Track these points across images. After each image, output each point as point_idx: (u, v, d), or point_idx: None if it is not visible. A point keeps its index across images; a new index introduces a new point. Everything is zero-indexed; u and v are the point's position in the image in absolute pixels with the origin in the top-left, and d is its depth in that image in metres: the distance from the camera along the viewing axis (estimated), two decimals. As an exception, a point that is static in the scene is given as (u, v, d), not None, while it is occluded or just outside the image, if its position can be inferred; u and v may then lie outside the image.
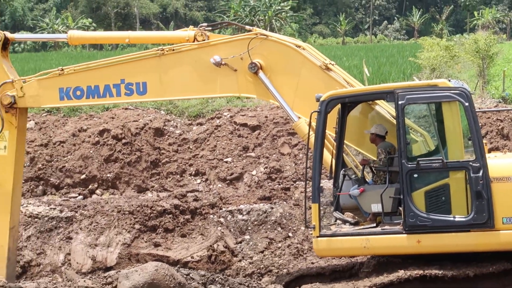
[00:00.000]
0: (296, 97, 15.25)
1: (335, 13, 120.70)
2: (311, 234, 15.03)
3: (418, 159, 14.06)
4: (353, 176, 15.23)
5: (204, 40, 15.53)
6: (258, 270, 18.47)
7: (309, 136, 14.77)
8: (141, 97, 16.19)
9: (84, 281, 13.07)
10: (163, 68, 15.69)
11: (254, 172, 25.42)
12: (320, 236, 14.19)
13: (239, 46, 15.24)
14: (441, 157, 14.03)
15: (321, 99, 14.06)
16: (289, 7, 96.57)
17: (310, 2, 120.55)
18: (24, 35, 18.35)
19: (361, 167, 15.51)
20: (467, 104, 13.46)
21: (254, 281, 15.33)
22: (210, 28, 16.08)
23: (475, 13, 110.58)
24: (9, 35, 16.38)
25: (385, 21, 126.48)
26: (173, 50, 15.63)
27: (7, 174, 16.13)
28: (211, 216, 20.77)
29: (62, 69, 16.00)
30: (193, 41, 15.62)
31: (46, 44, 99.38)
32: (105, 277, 13.10)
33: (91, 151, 26.96)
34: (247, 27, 16.88)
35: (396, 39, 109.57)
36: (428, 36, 66.56)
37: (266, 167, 25.53)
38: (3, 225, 16.18)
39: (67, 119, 29.14)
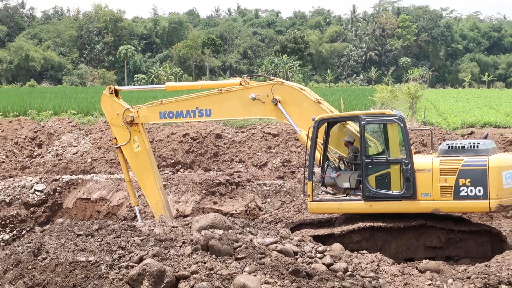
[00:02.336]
0: (299, 119, 16.50)
1: (325, 68, 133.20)
2: (307, 199, 16.02)
3: (372, 156, 15.42)
4: (333, 165, 16.18)
5: (245, 84, 17.05)
6: (275, 220, 20.01)
7: (307, 141, 15.96)
8: (207, 118, 17.75)
9: (172, 223, 12.60)
10: (221, 101, 17.16)
11: (274, 161, 26.66)
12: (312, 201, 15.61)
13: (266, 89, 16.72)
14: (386, 156, 15.43)
15: (315, 119, 15.40)
16: (297, 64, 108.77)
17: (310, 62, 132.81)
18: (128, 87, 18.29)
19: (337, 160, 16.39)
20: (402, 125, 14.92)
21: (272, 226, 15.16)
22: (249, 77, 17.59)
23: (409, 71, 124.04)
24: (117, 87, 18.41)
25: (355, 74, 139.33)
26: (227, 90, 17.15)
27: (144, 160, 17.76)
28: (248, 187, 22.45)
29: (161, 101, 17.68)
30: (239, 85, 17.16)
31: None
32: (184, 220, 12.87)
33: (177, 146, 28.53)
34: (271, 77, 18.14)
35: (361, 85, 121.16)
36: (380, 84, 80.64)
37: (281, 159, 26.78)
38: (155, 188, 17.79)
39: (164, 127, 30.70)
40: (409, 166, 14.59)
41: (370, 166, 15.08)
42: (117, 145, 17.99)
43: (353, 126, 16.25)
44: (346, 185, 15.53)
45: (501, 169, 14.27)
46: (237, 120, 31.56)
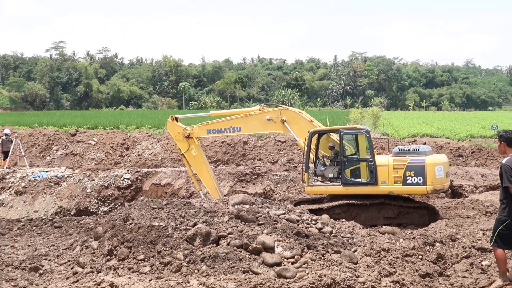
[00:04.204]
0: (298, 132, 16.43)
1: (316, 98, 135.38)
2: (304, 185, 15.73)
3: (348, 156, 15.28)
4: (321, 162, 16.05)
5: (263, 110, 17.10)
6: (283, 198, 19.84)
7: (304, 147, 15.66)
8: (238, 132, 17.63)
9: (215, 200, 12.33)
10: (246, 121, 17.22)
11: (282, 159, 26.36)
12: (308, 186, 15.45)
13: (276, 113, 16.74)
14: (357, 156, 15.31)
15: (310, 131, 15.49)
16: (298, 94, 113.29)
17: (306, 93, 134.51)
18: (184, 115, 18.07)
19: (324, 158, 16.20)
20: (368, 135, 14.92)
21: (281, 203, 14.12)
22: (265, 105, 17.66)
23: (372, 99, 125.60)
24: (176, 116, 18.38)
25: (336, 101, 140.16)
26: (251, 114, 17.13)
27: (200, 160, 17.82)
28: (265, 176, 22.11)
29: (208, 122, 17.70)
30: (258, 110, 17.19)
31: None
32: (223, 199, 12.56)
33: (218, 149, 28.29)
34: (280, 104, 18.02)
35: (340, 109, 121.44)
36: (353, 108, 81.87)
37: (287, 158, 26.55)
38: (209, 178, 17.75)
39: (210, 137, 28.11)
40: (372, 163, 14.53)
41: (346, 163, 14.95)
42: (181, 153, 18.01)
43: (335, 136, 16.07)
44: (330, 175, 15.44)
45: (434, 165, 14.30)
46: (258, 133, 30.70)
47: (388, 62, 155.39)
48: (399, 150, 15.03)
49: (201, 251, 9.43)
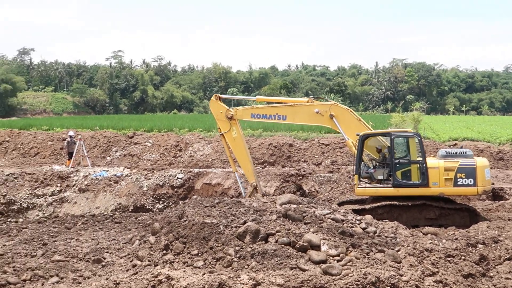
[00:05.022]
0: (347, 130, 15.86)
1: (357, 103, 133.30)
2: (355, 186, 15.35)
3: (399, 158, 15.12)
4: (372, 164, 15.82)
5: (311, 102, 16.50)
6: (327, 199, 19.21)
7: (354, 149, 15.45)
8: (283, 121, 16.95)
9: (263, 199, 12.47)
10: (294, 111, 16.61)
11: (326, 161, 26.02)
12: (358, 187, 15.18)
13: (326, 107, 16.15)
14: (408, 158, 15.03)
15: (360, 135, 15.15)
16: (340, 100, 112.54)
17: (348, 98, 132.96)
18: (228, 96, 17.49)
19: (371, 161, 15.91)
20: (419, 138, 14.88)
21: (326, 203, 13.96)
22: (314, 98, 16.85)
23: (412, 104, 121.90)
24: (220, 95, 17.96)
25: (377, 106, 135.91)
26: (299, 105, 16.67)
27: (240, 142, 17.26)
28: (309, 177, 21.79)
29: (253, 106, 17.25)
30: (307, 102, 16.59)
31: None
32: (271, 198, 12.56)
33: (265, 151, 27.98)
34: (329, 100, 17.98)
35: (380, 113, 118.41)
36: (394, 112, 78.15)
37: (330, 160, 26.14)
38: (247, 161, 17.33)
39: (257, 139, 29.95)
40: (424, 165, 14.39)
41: (397, 165, 14.82)
42: (220, 132, 17.53)
43: (382, 139, 15.83)
44: (380, 177, 15.27)
45: (484, 167, 14.26)
46: (303, 131, 31.02)
47: (428, 68, 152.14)
48: (446, 153, 14.83)
49: (251, 247, 9.49)
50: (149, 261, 9.87)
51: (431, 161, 14.66)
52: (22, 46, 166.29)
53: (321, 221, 10.72)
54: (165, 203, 21.67)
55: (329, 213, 11.43)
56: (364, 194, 15.57)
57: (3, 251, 11.55)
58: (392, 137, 14.91)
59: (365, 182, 15.36)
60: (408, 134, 15.24)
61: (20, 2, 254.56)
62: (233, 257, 9.23)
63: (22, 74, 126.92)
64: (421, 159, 14.57)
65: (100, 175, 23.25)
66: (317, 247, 9.49)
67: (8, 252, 11.39)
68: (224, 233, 9.93)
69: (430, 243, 10.05)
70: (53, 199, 22.02)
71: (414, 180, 14.61)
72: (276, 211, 11.07)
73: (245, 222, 10.27)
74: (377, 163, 15.67)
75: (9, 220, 18.38)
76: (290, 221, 10.60)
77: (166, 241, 10.23)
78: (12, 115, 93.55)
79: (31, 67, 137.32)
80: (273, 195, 18.75)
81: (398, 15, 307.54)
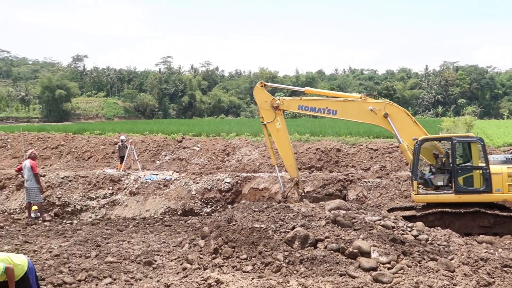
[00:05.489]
0: (400, 131, 15.27)
1: (407, 107, 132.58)
2: (413, 192, 14.86)
3: (461, 164, 14.78)
4: (428, 170, 15.64)
5: (365, 99, 15.81)
6: (376, 205, 18.74)
7: (408, 154, 15.07)
8: (332, 116, 15.95)
9: (312, 205, 12.35)
10: (345, 106, 15.80)
11: (374, 167, 25.15)
12: (417, 194, 14.73)
13: (380, 105, 15.52)
14: (471, 164, 14.58)
15: (418, 139, 14.74)
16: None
17: (396, 102, 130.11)
18: (274, 84, 17.15)
19: (428, 167, 15.72)
20: (482, 143, 14.48)
21: (376, 209, 14.14)
22: (366, 95, 16.22)
23: (464, 108, 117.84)
24: (265, 83, 16.83)
25: (427, 110, 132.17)
26: (351, 100, 15.92)
27: (283, 134, 16.40)
28: (358, 182, 21.40)
29: (301, 98, 16.44)
30: (360, 98, 15.95)
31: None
32: (320, 204, 12.45)
33: (312, 156, 27.40)
34: (384, 98, 17.40)
35: (431, 118, 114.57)
36: (445, 116, 75.97)
37: (379, 165, 25.28)
38: (290, 154, 16.60)
39: (304, 144, 29.50)
40: (487, 171, 14.11)
41: (459, 171, 14.46)
42: (263, 122, 16.53)
43: (436, 144, 15.58)
44: (440, 183, 14.89)
45: None
46: (351, 135, 30.40)
47: (481, 71, 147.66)
48: (506, 158, 14.52)
49: (300, 253, 9.45)
50: (198, 264, 9.98)
51: (494, 167, 14.31)
52: (76, 53, 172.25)
53: (371, 228, 10.59)
54: (213, 207, 21.77)
55: (379, 220, 11.27)
56: (422, 201, 15.08)
57: (59, 251, 11.97)
58: (453, 142, 14.56)
59: (421, 189, 14.96)
60: (471, 139, 14.85)
61: (74, 11, 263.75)
62: (282, 262, 9.21)
63: (76, 80, 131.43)
64: (484, 164, 14.25)
65: (150, 179, 23.58)
66: (367, 254, 9.36)
67: (64, 253, 11.79)
68: (273, 238, 9.92)
69: (485, 252, 9.82)
70: (105, 202, 22.50)
71: (477, 186, 14.29)
72: (325, 216, 10.99)
73: (294, 228, 10.24)
74: (436, 169, 15.30)
75: (64, 221, 18.88)
76: (339, 227, 10.50)
77: (216, 245, 10.33)
78: (67, 120, 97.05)
79: (84, 73, 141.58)
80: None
81: (449, 17, 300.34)
